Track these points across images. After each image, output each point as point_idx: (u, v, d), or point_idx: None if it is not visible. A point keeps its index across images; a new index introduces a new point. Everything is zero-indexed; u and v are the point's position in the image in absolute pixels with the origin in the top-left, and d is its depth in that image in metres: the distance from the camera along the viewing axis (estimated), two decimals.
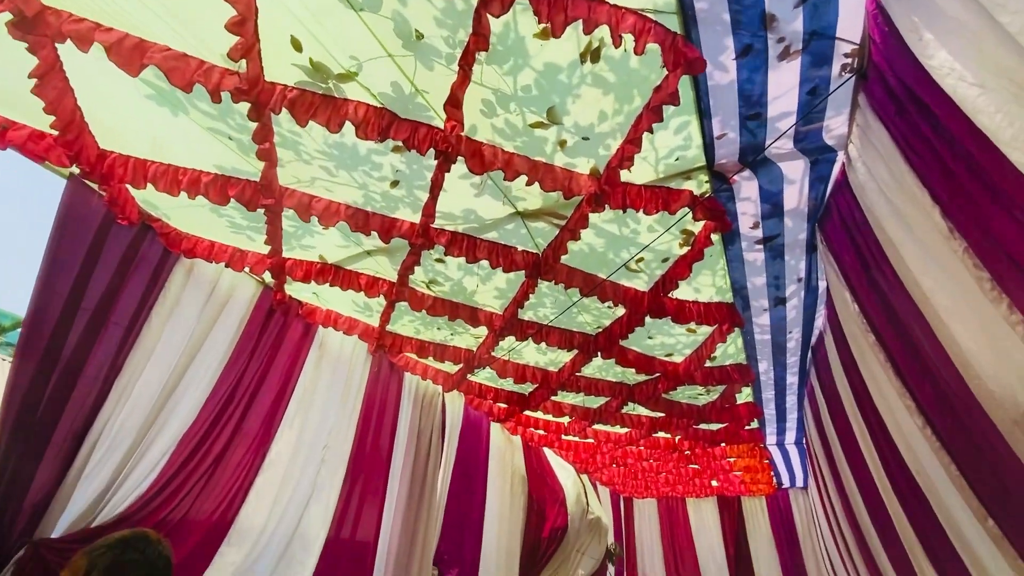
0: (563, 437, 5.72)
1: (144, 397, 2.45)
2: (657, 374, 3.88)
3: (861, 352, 2.34)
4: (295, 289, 3.29)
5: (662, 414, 4.62)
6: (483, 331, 3.55)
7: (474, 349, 3.86)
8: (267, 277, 3.03)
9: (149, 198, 2.40)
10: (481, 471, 5.00)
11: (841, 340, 2.70)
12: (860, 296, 2.16)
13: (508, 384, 4.43)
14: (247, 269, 2.89)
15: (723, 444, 5.16)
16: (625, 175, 2.15)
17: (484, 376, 4.42)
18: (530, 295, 2.91)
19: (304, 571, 2.94)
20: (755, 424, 5.22)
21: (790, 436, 5.65)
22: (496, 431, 5.45)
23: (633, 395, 4.15)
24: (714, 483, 8.25)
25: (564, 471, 6.45)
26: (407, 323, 3.63)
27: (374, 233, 2.48)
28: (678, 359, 3.68)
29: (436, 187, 2.21)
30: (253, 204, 2.28)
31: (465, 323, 3.30)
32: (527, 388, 4.50)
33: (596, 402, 4.62)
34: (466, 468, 4.82)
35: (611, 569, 8.38)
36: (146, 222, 2.49)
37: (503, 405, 5.01)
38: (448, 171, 2.12)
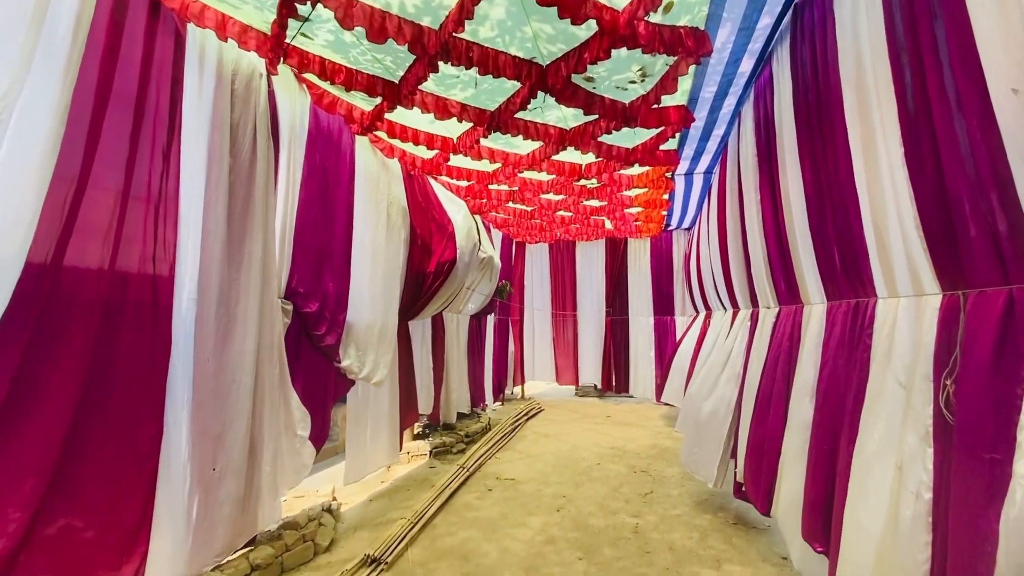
0: (450, 161, 4.63)
1: None
2: (583, 37, 2.65)
3: None
4: None
5: (579, 117, 3.59)
6: None
7: None
8: None
9: None
10: (343, 195, 3.88)
11: None
12: None
13: (362, 57, 2.97)
14: None
15: (636, 165, 4.45)
16: None
17: (323, 41, 2.88)
18: None
19: None
20: (674, 144, 4.49)
21: (704, 162, 5.12)
22: (364, 151, 4.17)
23: (545, 78, 2.96)
24: (608, 225, 8.16)
25: (454, 205, 5.61)
26: None
27: None
28: (620, 2, 2.42)
29: None
30: None
31: None
32: (395, 69, 3.09)
33: (494, 98, 3.40)
34: (322, 189, 3.65)
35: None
36: None
37: (365, 107, 3.62)
38: None
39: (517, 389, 9.77)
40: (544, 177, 5.22)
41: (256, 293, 2.90)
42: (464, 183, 5.43)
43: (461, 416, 6.55)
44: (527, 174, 5.08)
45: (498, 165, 4.73)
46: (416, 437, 5.77)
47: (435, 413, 5.77)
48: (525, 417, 7.58)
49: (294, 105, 3.43)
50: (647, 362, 9.31)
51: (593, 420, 7.66)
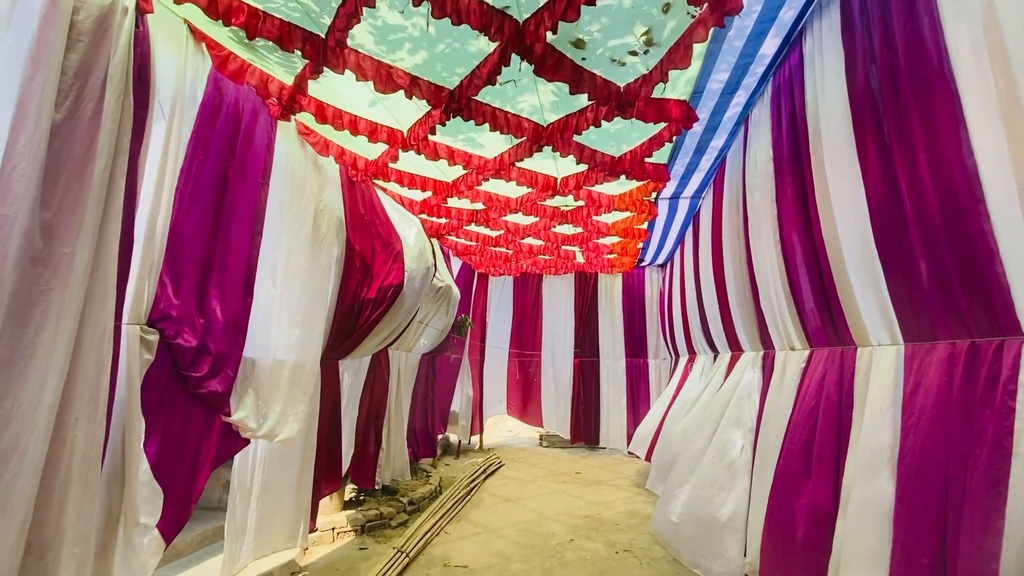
0: (399, 161, 3.81)
1: None
2: None
3: None
4: None
5: (559, 108, 2.86)
6: None
7: None
8: None
9: None
10: (250, 194, 2.95)
11: None
12: None
13: None
14: None
15: (622, 177, 3.76)
16: None
17: None
18: None
19: None
20: (665, 156, 3.84)
21: (696, 182, 4.51)
22: (289, 143, 3.29)
23: (523, 36, 2.22)
24: (579, 258, 7.49)
25: (406, 223, 4.75)
26: None
27: None
28: None
29: None
30: None
31: None
32: (319, 14, 2.28)
33: (454, 69, 2.63)
34: (217, 182, 2.72)
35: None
36: None
37: (282, 78, 2.78)
38: None
39: (475, 439, 8.67)
40: (513, 192, 4.47)
41: (73, 315, 1.89)
42: (419, 195, 4.60)
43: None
44: (493, 185, 4.31)
45: (459, 171, 3.94)
46: (346, 505, 4.63)
47: (370, 475, 4.68)
48: (483, 475, 6.52)
49: (184, 66, 2.53)
50: (619, 410, 8.48)
51: (560, 478, 6.68)
